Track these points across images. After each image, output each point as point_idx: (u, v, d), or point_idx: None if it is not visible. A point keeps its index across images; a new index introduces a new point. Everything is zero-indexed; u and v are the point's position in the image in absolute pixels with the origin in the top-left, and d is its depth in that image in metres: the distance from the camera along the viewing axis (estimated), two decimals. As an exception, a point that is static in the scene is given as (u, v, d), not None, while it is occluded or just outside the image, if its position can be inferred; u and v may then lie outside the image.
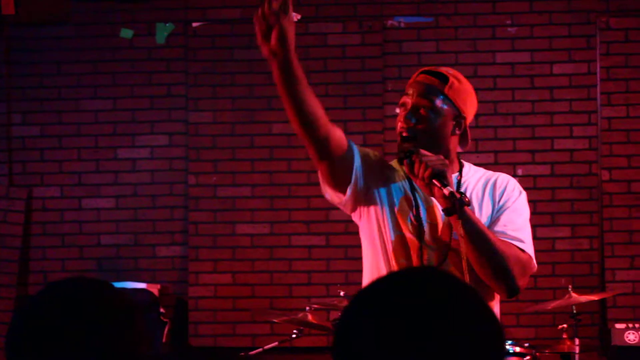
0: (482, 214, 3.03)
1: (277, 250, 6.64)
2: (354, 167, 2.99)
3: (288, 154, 6.59)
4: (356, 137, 6.56)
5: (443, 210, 2.88)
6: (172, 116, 6.82)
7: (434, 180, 2.84)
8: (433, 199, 2.98)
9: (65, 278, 1.93)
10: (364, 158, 3.03)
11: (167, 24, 6.85)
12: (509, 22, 6.74)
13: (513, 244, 2.98)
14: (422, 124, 3.00)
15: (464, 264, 2.82)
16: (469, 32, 6.74)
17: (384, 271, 3.00)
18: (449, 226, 2.97)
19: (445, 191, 2.80)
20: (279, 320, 5.81)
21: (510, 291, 2.95)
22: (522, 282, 2.97)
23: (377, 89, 6.72)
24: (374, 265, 3.06)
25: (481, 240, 2.87)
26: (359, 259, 3.22)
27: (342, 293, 5.58)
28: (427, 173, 2.84)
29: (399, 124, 3.04)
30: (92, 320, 1.82)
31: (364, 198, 3.03)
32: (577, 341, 5.57)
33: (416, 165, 2.89)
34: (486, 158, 6.65)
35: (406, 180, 3.06)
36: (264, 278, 6.64)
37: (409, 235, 2.99)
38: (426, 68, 3.13)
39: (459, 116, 3.05)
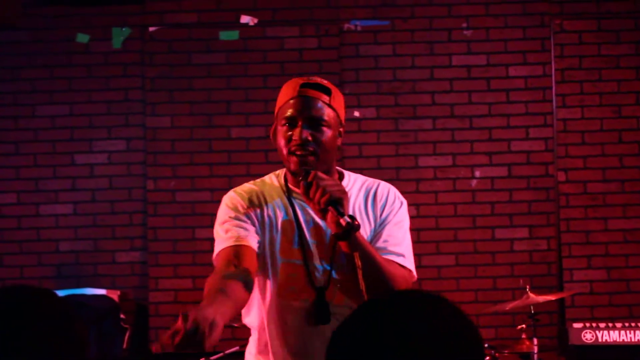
0: (365, 227, 2.99)
1: (237, 254, 6.62)
2: (259, 251, 2.96)
3: (247, 158, 6.58)
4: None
5: (334, 235, 2.83)
6: (130, 121, 6.79)
7: (330, 207, 2.77)
8: (315, 217, 2.95)
9: (4, 286, 1.92)
10: (256, 237, 2.96)
11: (124, 29, 6.82)
12: (464, 25, 6.79)
13: (394, 262, 2.96)
14: (316, 139, 2.91)
15: (361, 282, 2.78)
16: (425, 35, 6.78)
17: (274, 301, 2.96)
18: (332, 244, 2.93)
19: (342, 221, 2.73)
20: (239, 325, 5.80)
21: None
22: None
23: (335, 92, 6.73)
24: (261, 297, 3.00)
25: (369, 263, 2.83)
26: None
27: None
28: (323, 199, 2.77)
29: (293, 142, 2.91)
30: (28, 328, 1.82)
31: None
32: (535, 341, 5.62)
33: (312, 189, 2.79)
34: (444, 161, 6.70)
35: (285, 201, 3.00)
36: (224, 282, 6.62)
37: (294, 258, 2.95)
38: (303, 81, 2.97)
39: (340, 124, 3.00)
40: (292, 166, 2.92)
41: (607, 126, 6.71)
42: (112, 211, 6.73)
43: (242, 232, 2.93)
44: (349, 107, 6.60)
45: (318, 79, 3.00)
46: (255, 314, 3.04)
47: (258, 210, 2.99)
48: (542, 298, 5.64)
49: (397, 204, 3.06)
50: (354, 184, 3.06)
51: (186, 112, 6.75)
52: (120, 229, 6.72)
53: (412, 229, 3.13)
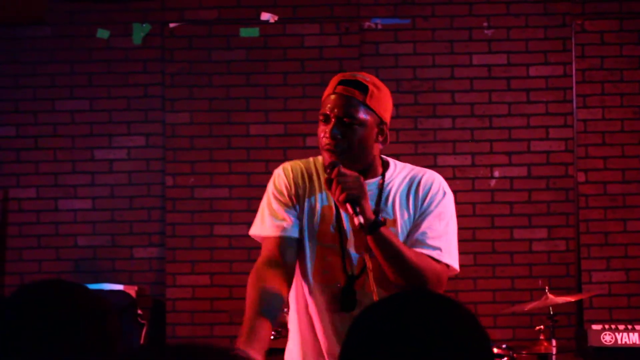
0: (405, 217, 3.01)
1: (255, 251, 6.61)
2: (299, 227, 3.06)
3: (265, 155, 6.57)
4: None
5: (359, 228, 2.87)
6: (149, 117, 6.80)
7: (347, 205, 2.85)
8: None
9: (39, 280, 1.94)
10: (298, 223, 3.06)
11: (144, 25, 6.83)
12: (485, 24, 6.76)
13: (427, 256, 2.97)
14: (347, 137, 2.95)
15: (372, 284, 2.87)
16: (445, 34, 6.76)
17: (309, 284, 3.05)
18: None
19: (356, 220, 2.81)
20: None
21: None
22: (438, 291, 2.94)
23: (354, 90, 6.72)
24: (300, 278, 3.09)
25: (395, 258, 2.88)
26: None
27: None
28: (341, 197, 2.85)
29: (324, 140, 2.98)
30: (63, 322, 1.83)
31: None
32: (554, 342, 5.60)
33: (333, 184, 2.88)
34: (463, 160, 6.67)
35: (326, 187, 3.04)
36: (242, 279, 6.60)
37: (330, 244, 3.02)
38: (343, 77, 3.02)
39: (380, 123, 3.01)
40: (325, 162, 2.99)
41: (627, 127, 6.67)
42: (130, 207, 6.74)
43: (287, 223, 3.04)
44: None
45: (359, 76, 3.02)
46: (294, 294, 3.13)
47: (301, 193, 3.07)
48: (560, 299, 5.62)
49: (440, 194, 3.06)
50: (399, 173, 3.09)
51: (205, 108, 6.76)
52: (138, 224, 6.74)
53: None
